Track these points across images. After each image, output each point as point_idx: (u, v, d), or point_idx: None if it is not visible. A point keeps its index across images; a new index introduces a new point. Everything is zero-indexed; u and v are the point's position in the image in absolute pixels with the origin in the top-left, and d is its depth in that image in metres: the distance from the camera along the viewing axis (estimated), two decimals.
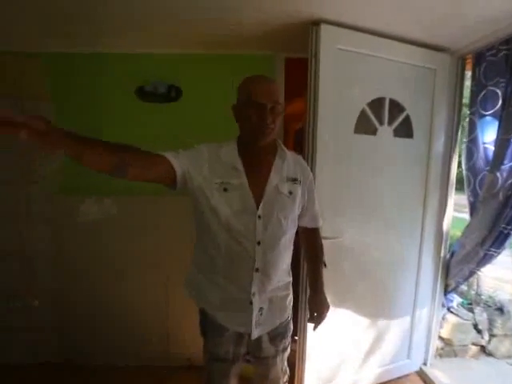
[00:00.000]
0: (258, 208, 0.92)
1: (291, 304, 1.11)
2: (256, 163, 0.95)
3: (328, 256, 1.41)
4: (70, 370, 1.84)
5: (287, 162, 0.98)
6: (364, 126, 1.50)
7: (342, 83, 1.42)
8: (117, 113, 1.76)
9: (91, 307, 1.86)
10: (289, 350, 1.16)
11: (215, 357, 1.04)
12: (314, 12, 1.32)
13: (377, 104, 1.50)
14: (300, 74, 1.73)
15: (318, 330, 1.16)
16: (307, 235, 1.16)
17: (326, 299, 1.16)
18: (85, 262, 1.84)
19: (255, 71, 1.75)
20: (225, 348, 1.02)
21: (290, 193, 0.97)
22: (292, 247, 1.06)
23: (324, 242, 1.40)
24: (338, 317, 1.53)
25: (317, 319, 1.15)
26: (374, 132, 1.52)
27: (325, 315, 1.15)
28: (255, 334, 0.99)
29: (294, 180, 0.98)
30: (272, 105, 0.88)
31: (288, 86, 1.78)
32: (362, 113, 1.48)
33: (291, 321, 1.14)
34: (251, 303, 0.96)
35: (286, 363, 1.17)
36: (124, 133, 1.75)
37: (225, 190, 0.91)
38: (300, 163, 1.05)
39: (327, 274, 1.42)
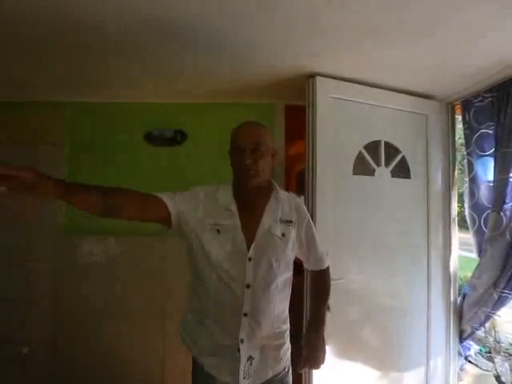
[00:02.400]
0: (248, 250, 0.92)
1: (288, 354, 1.04)
2: (250, 205, 0.96)
3: (332, 300, 1.38)
4: None
5: (281, 203, 0.99)
6: (362, 167, 1.55)
7: (338, 128, 1.50)
8: (127, 156, 1.86)
9: (89, 354, 1.78)
10: None
11: None
12: (309, 66, 1.45)
13: (373, 147, 1.57)
14: (301, 119, 1.86)
15: (320, 380, 1.14)
16: (314, 277, 1.15)
17: (324, 343, 1.10)
18: (83, 306, 1.79)
19: (256, 118, 1.88)
20: None
21: (283, 235, 0.96)
22: (288, 294, 1.03)
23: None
24: (343, 366, 1.43)
25: (311, 363, 1.09)
26: (371, 173, 1.57)
27: (320, 360, 1.08)
28: None
29: (288, 222, 0.98)
30: (252, 146, 0.92)
31: (290, 130, 1.90)
32: (360, 155, 1.54)
33: (289, 373, 1.05)
34: (239, 350, 0.91)
35: None
36: (134, 174, 1.85)
37: (217, 231, 0.92)
38: (296, 205, 1.04)
39: (331, 320, 1.37)
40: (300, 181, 3.53)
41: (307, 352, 1.08)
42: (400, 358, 1.55)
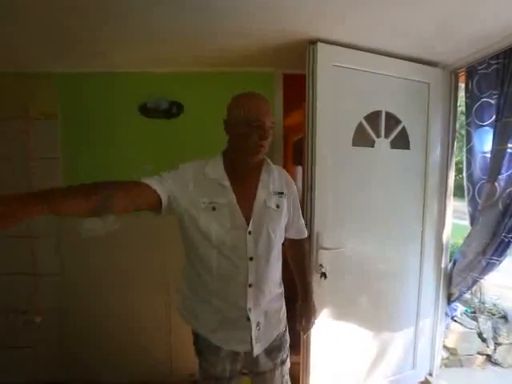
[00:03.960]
0: (248, 224, 0.93)
1: (285, 315, 1.12)
2: (243, 179, 0.96)
3: (330, 267, 1.44)
4: None
5: (273, 176, 1.01)
6: (362, 138, 1.53)
7: (338, 98, 1.46)
8: (121, 128, 1.81)
9: (95, 324, 1.86)
10: (288, 363, 1.15)
11: (212, 375, 1.03)
12: (310, 32, 1.38)
13: (373, 117, 1.54)
14: (298, 88, 1.80)
15: (317, 339, 1.25)
16: (294, 245, 1.19)
17: (313, 305, 1.20)
18: (88, 278, 1.85)
19: (254, 87, 1.81)
20: (221, 367, 1.01)
21: (278, 206, 0.99)
22: (281, 258, 1.08)
23: (326, 252, 1.44)
24: (341, 329, 1.54)
25: (305, 325, 1.20)
26: (371, 144, 1.56)
27: (313, 321, 1.20)
28: (257, 350, 0.99)
29: (281, 194, 1.01)
30: (270, 125, 0.91)
31: (287, 100, 1.84)
32: (360, 126, 1.52)
33: (287, 332, 1.14)
34: (248, 319, 0.96)
35: (287, 377, 1.15)
36: (128, 148, 1.81)
37: (213, 208, 0.91)
38: (285, 177, 1.08)
39: (329, 286, 1.45)
40: (296, 151, 3.55)
41: (303, 316, 1.20)
42: (391, 319, 1.66)
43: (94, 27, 1.34)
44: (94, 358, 1.88)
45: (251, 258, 0.94)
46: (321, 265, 1.45)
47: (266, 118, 0.90)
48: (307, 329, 1.21)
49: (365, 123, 1.53)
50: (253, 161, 0.94)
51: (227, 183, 0.93)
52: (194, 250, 0.96)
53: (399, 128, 1.59)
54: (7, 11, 1.19)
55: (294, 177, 3.07)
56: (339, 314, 1.52)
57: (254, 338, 0.97)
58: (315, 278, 1.43)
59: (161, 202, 0.86)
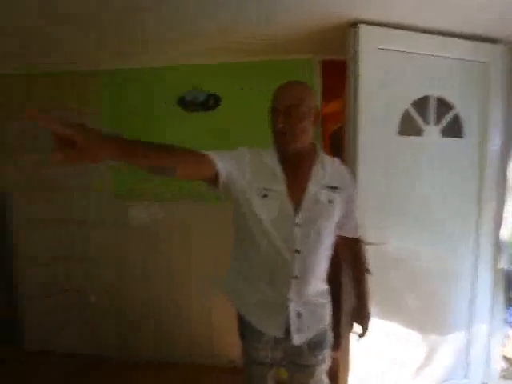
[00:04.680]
0: (296, 216, 0.91)
1: (330, 313, 1.08)
2: (294, 170, 0.94)
3: (373, 263, 1.36)
4: (125, 363, 1.97)
5: (327, 169, 0.96)
6: (408, 126, 1.42)
7: (383, 83, 1.37)
8: (161, 122, 1.87)
9: (142, 307, 1.98)
10: (328, 362, 1.11)
11: (254, 360, 1.05)
12: (351, 13, 1.30)
13: (422, 103, 1.42)
14: (336, 75, 1.72)
15: (362, 340, 1.15)
16: (347, 245, 1.13)
17: (367, 309, 1.13)
18: (137, 263, 1.96)
19: (291, 75, 1.77)
20: (263, 353, 1.03)
21: (330, 201, 0.94)
22: (329, 255, 1.03)
23: (369, 247, 1.36)
24: (384, 328, 1.45)
25: (362, 331, 1.14)
26: (419, 133, 1.44)
27: (366, 326, 1.13)
28: (297, 340, 0.97)
29: (334, 188, 0.95)
30: (287, 109, 0.88)
31: (325, 87, 1.77)
32: (406, 113, 1.41)
33: (330, 331, 1.09)
34: (287, 308, 0.95)
35: (324, 376, 1.10)
36: (168, 141, 1.85)
37: (264, 196, 0.91)
38: (341, 171, 1.02)
39: (373, 282, 1.37)
40: (333, 142, 3.43)
41: (355, 319, 1.15)
42: (441, 322, 1.53)
43: (142, 24, 1.38)
44: (142, 338, 1.99)
45: (298, 251, 0.92)
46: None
47: (282, 102, 0.89)
48: (362, 334, 1.15)
49: (412, 110, 1.42)
50: (286, 148, 0.92)
51: (280, 173, 0.93)
52: (246, 232, 0.96)
53: (452, 114, 1.45)
54: (57, 12, 1.27)
55: None
56: (383, 311, 1.43)
57: (293, 327, 0.96)
58: None
59: (218, 176, 0.85)
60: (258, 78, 1.74)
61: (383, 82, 1.37)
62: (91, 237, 2.00)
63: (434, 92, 1.42)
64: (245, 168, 0.91)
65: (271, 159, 0.95)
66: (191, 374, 1.87)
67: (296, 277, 0.93)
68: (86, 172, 1.95)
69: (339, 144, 3.22)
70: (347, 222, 1.04)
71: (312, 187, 0.93)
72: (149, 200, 1.89)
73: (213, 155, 0.85)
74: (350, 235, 1.09)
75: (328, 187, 0.94)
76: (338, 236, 1.06)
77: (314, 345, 1.03)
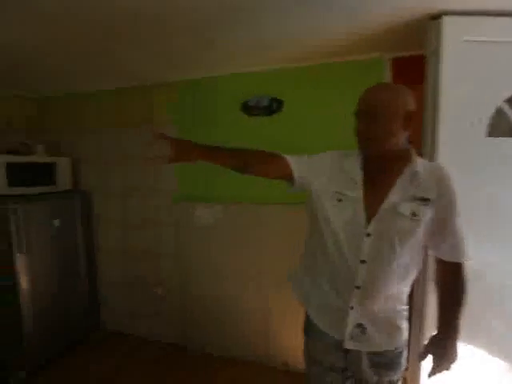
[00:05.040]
0: (367, 225, 0.87)
1: (405, 336, 0.99)
2: (377, 176, 0.89)
3: None
4: (186, 352, 2.15)
5: (418, 177, 0.86)
6: (500, 126, 1.25)
7: (470, 79, 1.22)
8: (227, 128, 1.95)
9: (205, 302, 2.11)
10: None
11: (314, 360, 1.04)
12: (433, 4, 1.18)
13: None
14: (411, 72, 1.59)
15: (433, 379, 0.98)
16: (443, 269, 0.96)
17: (455, 348, 0.95)
18: (199, 261, 2.10)
19: (357, 76, 1.69)
20: (323, 354, 1.01)
21: (413, 214, 0.84)
22: (413, 276, 0.95)
23: None
24: (464, 355, 1.32)
25: (435, 367, 0.96)
26: None
27: (446, 366, 0.95)
28: (348, 345, 0.94)
29: (424, 200, 0.84)
30: (367, 111, 0.85)
31: None
32: (498, 111, 1.24)
33: (403, 356, 1.00)
34: (348, 315, 0.93)
35: None
36: (234, 145, 1.94)
37: (339, 200, 0.91)
38: (438, 177, 0.88)
39: None
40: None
41: (434, 353, 0.97)
42: None
43: (207, 41, 1.46)
44: (205, 330, 2.14)
45: (363, 261, 0.88)
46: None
47: (362, 105, 0.87)
48: (435, 372, 0.97)
49: (506, 107, 1.24)
50: (367, 153, 0.90)
51: (359, 179, 0.91)
52: (316, 233, 0.97)
53: None
54: (128, 39, 1.41)
55: None
56: (462, 336, 1.30)
57: (347, 333, 0.93)
58: (431, 288, 1.26)
59: (292, 176, 0.95)
60: (322, 80, 1.71)
61: (470, 77, 1.22)
62: (160, 234, 2.20)
63: None
64: (323, 171, 0.95)
65: (352, 164, 0.94)
66: (247, 370, 1.96)
67: (358, 287, 0.90)
68: (156, 176, 2.15)
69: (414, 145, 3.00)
70: (443, 242, 0.90)
71: (393, 197, 0.86)
72: (212, 201, 2.01)
73: (289, 157, 0.96)
74: (447, 258, 0.92)
75: (416, 198, 0.85)
76: (435, 257, 0.96)
77: (379, 365, 0.97)
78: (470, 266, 1.27)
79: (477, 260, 1.27)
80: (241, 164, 0.96)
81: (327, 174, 0.94)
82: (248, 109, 1.84)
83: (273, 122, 1.83)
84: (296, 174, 0.95)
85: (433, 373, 0.97)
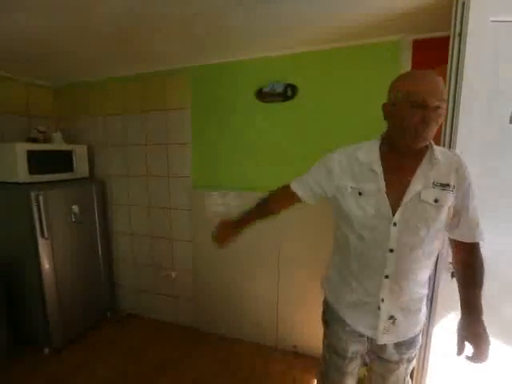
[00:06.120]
0: (393, 214, 0.87)
1: (424, 317, 1.03)
2: (398, 165, 0.88)
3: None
4: (199, 334, 2.24)
5: (437, 164, 0.87)
6: None
7: (495, 63, 1.17)
8: (241, 115, 1.94)
9: (217, 285, 2.17)
10: (414, 362, 1.07)
11: (334, 350, 1.05)
12: None
13: None
14: (433, 55, 1.53)
15: (439, 345, 1.09)
16: (460, 250, 0.97)
17: (484, 330, 0.93)
18: (212, 247, 2.12)
19: (375, 60, 1.63)
20: (343, 344, 1.02)
21: (436, 201, 0.86)
22: (434, 260, 0.96)
23: None
24: None
25: (475, 354, 0.94)
26: None
27: (484, 351, 0.92)
28: (382, 340, 0.96)
29: (445, 186, 0.86)
30: (436, 104, 0.78)
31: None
32: None
33: (421, 334, 1.05)
34: (379, 308, 0.93)
35: (408, 378, 1.09)
36: (248, 132, 1.94)
37: (359, 194, 0.90)
38: (456, 165, 0.89)
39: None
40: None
41: (466, 338, 0.95)
42: None
43: (223, 26, 1.43)
44: (216, 313, 2.21)
45: (391, 250, 0.88)
46: (451, 263, 1.26)
47: (432, 98, 0.78)
48: (478, 359, 0.94)
49: None
50: (414, 147, 0.85)
51: (379, 169, 0.89)
52: (340, 231, 1.00)
53: None
54: (147, 22, 1.39)
55: None
56: None
57: (381, 327, 0.94)
58: (445, 276, 1.26)
59: (305, 201, 1.05)
60: (338, 65, 1.66)
61: (495, 61, 1.16)
62: (174, 220, 2.25)
63: None
64: (332, 171, 0.96)
65: (371, 154, 0.91)
66: (257, 351, 2.03)
67: (387, 276, 0.90)
68: (172, 163, 2.18)
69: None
70: (462, 224, 0.91)
71: (416, 184, 0.86)
72: (226, 189, 2.03)
73: (295, 185, 1.05)
74: (465, 239, 0.93)
75: (437, 185, 0.86)
76: (451, 239, 0.97)
77: (401, 344, 1.00)
78: (484, 254, 1.27)
79: (493, 247, 1.27)
80: (267, 214, 1.13)
81: (338, 170, 0.94)
82: (263, 95, 1.82)
83: (287, 109, 1.80)
84: (305, 198, 1.03)
85: (476, 359, 0.94)
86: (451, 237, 0.96)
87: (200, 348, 2.09)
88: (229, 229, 1.15)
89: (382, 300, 0.93)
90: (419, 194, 0.86)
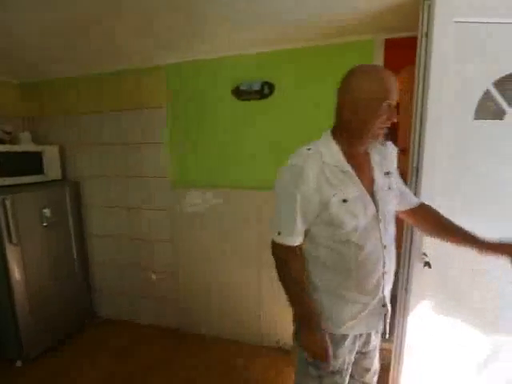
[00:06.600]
0: (377, 211, 0.88)
1: None
2: (359, 162, 0.90)
3: (435, 257, 1.30)
4: (184, 335, 2.20)
5: (382, 154, 0.95)
6: (488, 109, 1.27)
7: (459, 62, 1.23)
8: (218, 113, 1.92)
9: (198, 285, 2.15)
10: None
11: (331, 370, 0.94)
12: None
13: (507, 81, 1.25)
14: (403, 54, 1.59)
15: (415, 330, 1.16)
16: (419, 217, 1.07)
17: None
18: (192, 247, 2.12)
19: (349, 59, 1.68)
20: (341, 358, 0.94)
21: (389, 188, 0.93)
22: None
23: (431, 241, 1.30)
24: (444, 323, 1.40)
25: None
26: (500, 116, 1.28)
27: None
28: (382, 329, 1.01)
29: (389, 173, 0.94)
30: (398, 102, 0.85)
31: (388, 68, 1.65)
32: (486, 94, 1.26)
33: None
34: (384, 305, 0.95)
35: None
36: (225, 130, 1.93)
37: (344, 201, 0.83)
38: (391, 151, 0.99)
39: (433, 277, 1.32)
40: (391, 126, 3.25)
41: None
42: (505, 318, 1.42)
43: (194, 19, 1.41)
44: (198, 313, 2.19)
45: (385, 246, 0.91)
46: (424, 253, 1.32)
47: (397, 96, 0.83)
48: None
49: (494, 90, 1.26)
50: (373, 144, 0.90)
51: (351, 170, 0.86)
52: (328, 249, 0.89)
53: None
54: (113, 11, 1.32)
55: None
56: (444, 307, 1.38)
57: (388, 321, 0.98)
58: (418, 267, 1.32)
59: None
60: (314, 63, 1.68)
61: (459, 60, 1.23)
62: (153, 220, 2.20)
63: None
64: (309, 184, 0.83)
65: (335, 156, 0.86)
66: (242, 348, 2.04)
67: (386, 272, 0.92)
68: (149, 162, 2.13)
69: (393, 128, 3.05)
70: (405, 196, 1.03)
71: (378, 177, 0.91)
72: (204, 188, 2.00)
73: (290, 239, 0.88)
74: (413, 205, 1.05)
75: (386, 174, 0.94)
76: (407, 214, 1.05)
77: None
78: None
79: None
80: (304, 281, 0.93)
81: (315, 180, 0.82)
82: (239, 93, 1.81)
83: (265, 106, 1.81)
84: (301, 240, 0.91)
85: None
86: (405, 211, 1.05)
87: (187, 348, 2.07)
88: (322, 341, 0.89)
89: (385, 297, 0.95)
90: (382, 185, 0.91)
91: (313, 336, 0.87)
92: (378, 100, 0.80)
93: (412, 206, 1.05)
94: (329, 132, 0.92)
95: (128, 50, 1.78)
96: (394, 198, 0.96)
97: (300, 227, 0.87)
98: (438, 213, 1.06)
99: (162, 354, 2.03)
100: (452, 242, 1.04)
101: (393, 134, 3.05)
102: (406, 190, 1.06)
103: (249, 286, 2.03)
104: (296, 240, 0.89)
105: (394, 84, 0.82)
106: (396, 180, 0.99)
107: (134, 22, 1.43)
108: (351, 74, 0.85)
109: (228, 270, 2.05)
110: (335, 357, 0.93)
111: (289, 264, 0.90)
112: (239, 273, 2.03)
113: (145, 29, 1.51)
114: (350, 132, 0.87)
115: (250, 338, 2.08)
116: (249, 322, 2.07)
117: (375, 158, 0.93)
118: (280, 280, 0.93)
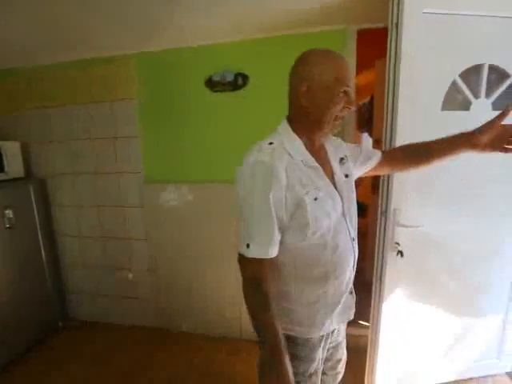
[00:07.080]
0: (343, 205, 0.84)
1: None
2: (320, 155, 0.85)
3: (407, 246, 1.34)
4: (165, 334, 2.16)
5: (334, 143, 0.93)
6: (455, 100, 1.31)
7: (428, 53, 1.24)
8: (191, 104, 1.85)
9: (178, 284, 2.10)
10: None
11: (309, 375, 0.89)
12: None
13: (472, 73, 1.29)
14: (374, 44, 1.59)
15: (390, 316, 1.18)
16: (390, 157, 1.04)
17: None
18: (169, 243, 2.06)
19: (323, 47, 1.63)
20: (317, 359, 0.90)
21: (347, 176, 0.88)
22: None
23: (403, 230, 1.33)
24: (417, 308, 1.46)
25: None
26: (466, 107, 1.32)
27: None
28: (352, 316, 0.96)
29: (343, 159, 0.90)
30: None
31: (360, 59, 1.65)
32: (453, 85, 1.29)
33: None
34: (351, 293, 0.93)
35: None
36: (199, 122, 1.87)
37: (315, 199, 0.76)
38: (335, 140, 0.96)
39: (406, 265, 1.36)
40: (361, 116, 3.27)
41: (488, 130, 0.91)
42: (477, 302, 1.51)
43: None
44: (178, 312, 2.15)
45: (353, 239, 0.87)
46: (397, 243, 1.35)
47: (352, 81, 0.78)
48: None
49: (460, 82, 1.29)
50: (331, 133, 0.84)
51: (317, 164, 0.80)
52: (303, 253, 0.80)
53: (507, 84, 1.31)
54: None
55: None
56: (416, 293, 1.43)
57: (353, 308, 0.95)
58: (391, 256, 1.35)
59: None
60: (287, 52, 1.64)
61: (428, 51, 1.24)
62: (127, 218, 2.12)
63: (487, 59, 1.28)
64: (280, 183, 0.73)
65: (300, 149, 0.79)
66: (223, 343, 2.03)
67: (355, 264, 0.89)
68: (121, 158, 2.03)
69: (367, 119, 3.08)
70: (371, 155, 1.01)
71: (336, 168, 0.87)
72: (179, 182, 1.95)
73: (268, 251, 0.75)
74: (379, 156, 1.01)
75: (341, 162, 0.89)
76: (380, 166, 1.03)
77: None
78: (427, 234, 1.38)
79: (434, 228, 1.39)
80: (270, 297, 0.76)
81: (285, 178, 0.73)
82: (212, 84, 1.76)
83: (238, 98, 1.76)
84: (277, 247, 0.78)
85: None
86: (376, 167, 1.03)
87: (167, 348, 2.03)
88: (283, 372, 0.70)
89: (351, 288, 0.92)
90: (341, 175, 0.86)
91: (275, 376, 0.70)
92: (328, 87, 0.75)
93: (379, 159, 1.02)
94: (286, 122, 0.84)
95: (97, 38, 1.66)
96: (354, 185, 0.90)
97: (276, 234, 0.75)
98: (405, 145, 1.05)
99: (142, 355, 1.98)
100: (443, 156, 0.97)
101: (369, 126, 3.11)
102: (367, 148, 1.04)
103: (227, 282, 2.00)
104: (272, 251, 0.75)
105: (347, 69, 0.77)
106: (354, 159, 0.96)
107: (104, 7, 1.33)
108: (303, 59, 0.80)
109: (205, 268, 2.02)
110: (312, 360, 0.88)
111: (262, 285, 0.74)
112: (217, 270, 2.00)
113: (114, 15, 1.41)
114: (310, 121, 0.80)
115: (231, 332, 2.08)
116: (229, 317, 2.06)
117: (329, 148, 0.89)
118: (249, 305, 0.76)
